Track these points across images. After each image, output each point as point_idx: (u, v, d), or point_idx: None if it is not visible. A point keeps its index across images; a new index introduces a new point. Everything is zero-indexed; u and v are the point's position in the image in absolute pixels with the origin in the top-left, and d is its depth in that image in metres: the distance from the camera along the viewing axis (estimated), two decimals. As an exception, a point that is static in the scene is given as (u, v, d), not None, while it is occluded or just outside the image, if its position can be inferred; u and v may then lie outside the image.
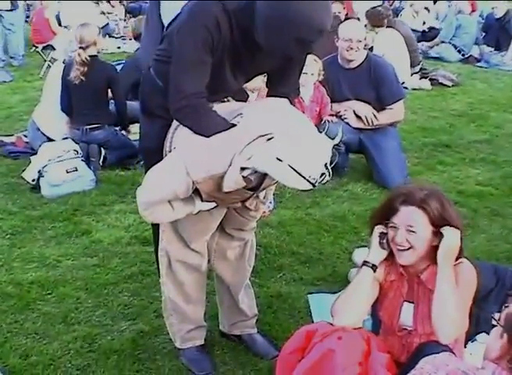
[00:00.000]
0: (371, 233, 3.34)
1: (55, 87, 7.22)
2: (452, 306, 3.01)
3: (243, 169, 3.01)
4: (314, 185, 2.94)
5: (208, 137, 3.14)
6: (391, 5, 16.35)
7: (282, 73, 3.51)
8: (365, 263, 3.27)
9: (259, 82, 3.83)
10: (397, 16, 13.96)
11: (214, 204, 3.36)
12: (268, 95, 3.62)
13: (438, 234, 3.14)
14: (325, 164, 2.94)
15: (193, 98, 3.22)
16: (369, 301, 3.31)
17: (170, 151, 3.36)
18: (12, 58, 13.30)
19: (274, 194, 5.52)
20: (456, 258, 3.19)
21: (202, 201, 3.26)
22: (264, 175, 3.10)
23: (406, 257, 3.18)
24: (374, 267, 3.26)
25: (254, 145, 2.98)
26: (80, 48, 6.83)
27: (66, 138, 7.15)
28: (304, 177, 2.90)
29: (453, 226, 3.14)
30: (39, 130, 7.31)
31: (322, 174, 2.93)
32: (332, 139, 3.09)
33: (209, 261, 3.86)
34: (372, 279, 3.27)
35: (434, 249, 3.16)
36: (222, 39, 3.15)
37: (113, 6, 15.89)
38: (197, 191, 3.20)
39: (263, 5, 2.99)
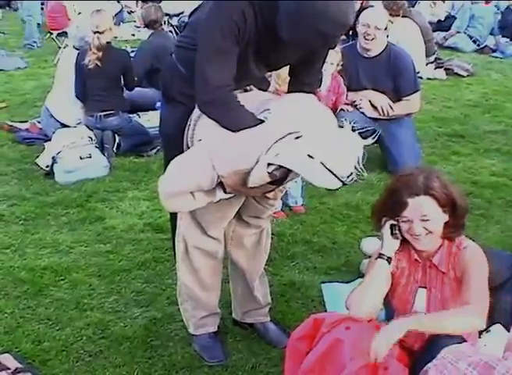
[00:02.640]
0: (377, 226, 3.34)
1: (66, 74, 7.23)
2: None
3: (269, 164, 2.99)
4: (343, 183, 2.92)
5: (235, 132, 3.14)
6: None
7: (306, 65, 3.52)
8: (380, 256, 3.26)
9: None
10: (413, 6, 13.84)
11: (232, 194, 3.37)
12: (291, 85, 3.63)
13: (446, 211, 3.15)
14: (356, 163, 2.92)
15: (221, 91, 3.22)
16: (384, 292, 3.29)
17: (192, 140, 3.36)
18: (27, 45, 13.36)
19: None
20: (460, 233, 3.23)
21: (225, 193, 3.25)
22: (289, 170, 3.07)
23: (425, 243, 3.18)
24: (389, 259, 3.25)
25: (282, 142, 2.97)
26: (96, 32, 6.82)
27: (80, 124, 7.18)
28: (336, 175, 2.88)
29: (458, 204, 3.17)
30: (52, 116, 7.32)
31: (350, 173, 2.90)
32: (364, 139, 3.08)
33: (225, 248, 3.85)
34: (387, 271, 3.26)
35: (445, 225, 3.18)
36: (247, 30, 3.15)
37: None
38: (220, 184, 3.20)
39: None
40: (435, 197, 3.11)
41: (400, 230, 3.23)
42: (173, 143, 3.49)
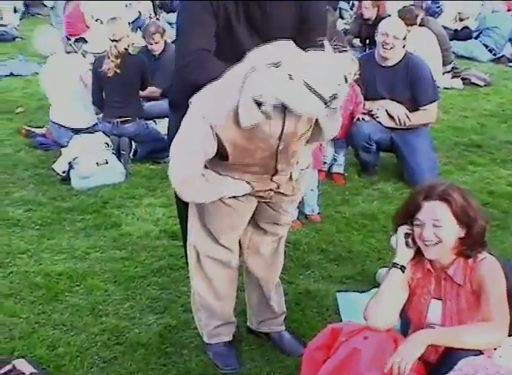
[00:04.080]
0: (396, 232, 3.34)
1: (65, 80, 7.33)
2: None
3: (259, 105, 2.92)
4: (326, 104, 2.84)
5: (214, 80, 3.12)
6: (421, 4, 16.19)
7: (306, 38, 3.36)
8: (394, 265, 3.26)
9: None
10: (431, 15, 13.78)
11: (247, 187, 3.34)
12: None
13: (463, 226, 3.14)
14: (339, 83, 2.86)
15: (197, 54, 3.32)
16: (401, 302, 3.28)
17: None
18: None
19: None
20: (479, 251, 3.18)
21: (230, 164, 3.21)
22: (284, 114, 3.02)
23: (434, 252, 3.17)
24: (402, 268, 3.24)
25: (262, 74, 2.89)
26: (113, 40, 6.86)
27: (95, 125, 7.26)
28: (320, 95, 2.81)
29: (476, 220, 3.15)
30: (62, 126, 7.37)
31: (334, 94, 2.85)
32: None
33: (241, 256, 3.84)
34: (402, 280, 3.25)
35: (460, 241, 3.17)
36: (222, 5, 3.33)
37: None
38: (227, 169, 3.23)
39: None
40: (450, 204, 3.10)
41: (413, 238, 3.23)
42: None
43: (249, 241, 3.81)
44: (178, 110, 3.62)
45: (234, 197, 3.42)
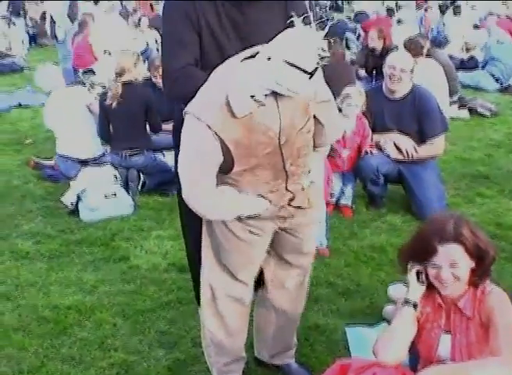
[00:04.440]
0: (403, 269, 3.34)
1: (71, 113, 7.44)
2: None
3: (252, 97, 2.98)
4: (311, 76, 2.91)
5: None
6: (427, 34, 16.32)
7: None
8: (407, 302, 3.26)
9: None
10: (437, 45, 13.85)
11: (265, 203, 3.31)
12: None
13: (473, 258, 3.14)
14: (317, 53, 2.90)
15: (182, 70, 3.39)
16: (411, 337, 3.28)
17: None
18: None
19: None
20: (486, 280, 3.20)
21: (233, 167, 3.17)
22: (276, 102, 3.09)
23: (452, 289, 3.18)
24: (415, 305, 3.25)
25: (242, 68, 3.02)
26: (117, 73, 6.98)
27: (102, 155, 7.32)
28: (302, 69, 2.88)
29: (486, 252, 3.16)
30: (68, 159, 7.43)
31: (316, 64, 2.89)
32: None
33: (262, 290, 3.84)
34: (414, 317, 3.26)
35: (471, 272, 3.17)
36: (201, 14, 3.39)
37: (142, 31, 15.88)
38: (239, 184, 3.23)
39: None
40: (465, 245, 3.11)
41: (426, 275, 3.23)
42: None
43: (273, 276, 3.78)
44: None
45: (250, 232, 3.40)
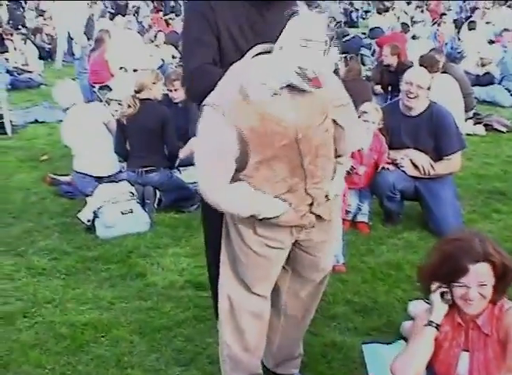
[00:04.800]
0: (426, 290, 3.33)
1: (88, 130, 7.48)
2: None
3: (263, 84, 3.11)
4: (328, 47, 3.03)
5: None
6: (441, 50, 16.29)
7: None
8: (430, 323, 3.25)
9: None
10: (452, 61, 13.82)
11: (284, 205, 3.30)
12: None
13: (497, 275, 3.15)
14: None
15: (199, 68, 3.51)
16: (429, 356, 3.27)
17: None
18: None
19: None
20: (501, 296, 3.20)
21: (249, 159, 3.20)
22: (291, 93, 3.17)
23: (477, 307, 3.19)
24: (437, 326, 3.24)
25: (259, 60, 3.18)
26: (135, 91, 7.02)
27: (118, 172, 7.39)
28: (314, 40, 2.99)
29: (510, 267, 3.18)
30: (85, 176, 7.48)
31: (328, 40, 3.01)
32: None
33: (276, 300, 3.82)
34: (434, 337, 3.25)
35: (493, 289, 3.18)
36: (219, 16, 3.50)
37: (157, 46, 15.93)
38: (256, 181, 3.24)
39: None
40: (494, 263, 3.11)
41: (452, 295, 3.22)
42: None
43: (288, 287, 3.78)
44: None
45: (268, 246, 3.41)
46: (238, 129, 3.11)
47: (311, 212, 3.40)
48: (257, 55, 3.23)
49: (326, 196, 3.42)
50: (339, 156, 3.51)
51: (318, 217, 3.45)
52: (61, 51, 18.27)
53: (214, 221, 3.70)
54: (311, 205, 3.38)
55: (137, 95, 7.03)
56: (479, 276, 3.11)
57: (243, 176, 3.24)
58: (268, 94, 3.10)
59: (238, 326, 3.68)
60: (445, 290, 3.24)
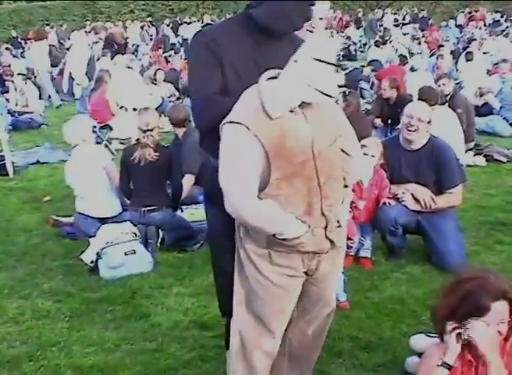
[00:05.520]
0: (440, 329, 3.33)
1: (91, 170, 7.52)
2: None
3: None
4: (336, 66, 3.20)
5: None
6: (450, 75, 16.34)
7: None
8: (443, 365, 3.24)
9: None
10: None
11: (304, 226, 3.32)
12: None
13: None
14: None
15: (208, 99, 3.58)
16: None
17: (241, 243, 3.46)
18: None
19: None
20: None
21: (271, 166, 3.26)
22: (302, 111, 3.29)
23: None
24: (450, 368, 3.23)
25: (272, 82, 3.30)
26: (147, 130, 6.99)
27: (121, 213, 7.41)
28: (325, 61, 3.13)
29: None
30: (88, 218, 7.49)
31: (338, 59, 3.16)
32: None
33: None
34: None
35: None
36: (224, 50, 3.57)
37: (155, 83, 15.97)
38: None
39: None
40: (511, 300, 3.12)
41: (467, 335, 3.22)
42: (220, 241, 3.61)
43: (294, 326, 3.78)
44: (212, 201, 3.69)
45: (284, 274, 3.43)
46: (261, 143, 3.20)
47: (326, 237, 3.44)
48: (269, 79, 3.33)
49: (338, 221, 3.45)
50: (345, 186, 3.56)
51: (331, 242, 3.48)
52: (54, 89, 18.42)
53: (224, 264, 3.76)
54: (326, 228, 3.41)
55: (149, 133, 6.99)
56: (500, 314, 3.13)
57: (265, 195, 3.28)
58: (286, 111, 3.22)
59: (249, 364, 3.67)
60: (461, 331, 3.23)
